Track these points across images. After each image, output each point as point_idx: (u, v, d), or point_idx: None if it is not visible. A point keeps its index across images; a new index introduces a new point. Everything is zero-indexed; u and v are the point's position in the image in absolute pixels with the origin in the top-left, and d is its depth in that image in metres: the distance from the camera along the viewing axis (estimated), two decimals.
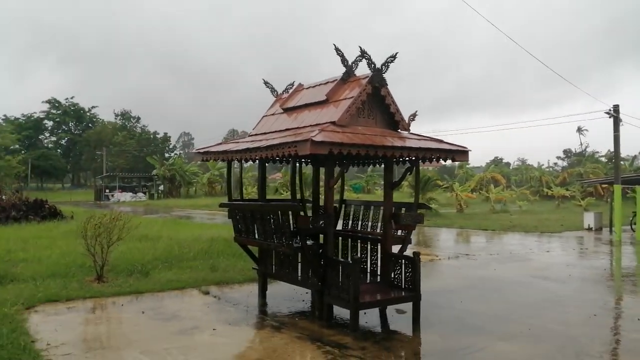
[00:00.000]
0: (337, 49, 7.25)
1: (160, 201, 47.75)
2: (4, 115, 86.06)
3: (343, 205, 8.80)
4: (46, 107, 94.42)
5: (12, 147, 73.87)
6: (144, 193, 55.43)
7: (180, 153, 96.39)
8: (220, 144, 8.61)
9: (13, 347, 5.39)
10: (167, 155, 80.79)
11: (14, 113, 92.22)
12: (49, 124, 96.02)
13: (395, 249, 7.40)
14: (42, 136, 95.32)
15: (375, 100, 6.96)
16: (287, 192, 48.92)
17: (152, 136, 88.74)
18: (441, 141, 7.13)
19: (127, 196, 52.14)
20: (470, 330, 6.65)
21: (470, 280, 10.20)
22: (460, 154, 7.11)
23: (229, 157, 7.72)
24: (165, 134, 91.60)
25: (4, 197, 22.84)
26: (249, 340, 6.30)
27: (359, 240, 8.20)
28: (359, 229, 8.43)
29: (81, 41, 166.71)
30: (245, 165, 14.80)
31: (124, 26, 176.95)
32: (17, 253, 11.43)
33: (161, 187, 56.28)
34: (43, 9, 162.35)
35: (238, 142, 8.14)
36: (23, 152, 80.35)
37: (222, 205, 8.50)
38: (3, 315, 6.52)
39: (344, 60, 7.30)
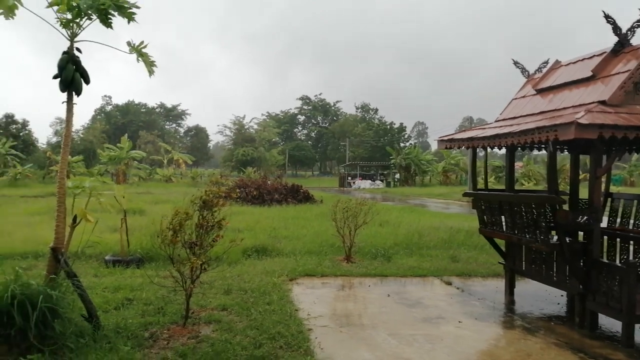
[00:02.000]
0: (606, 16, 6.20)
1: (396, 189, 49.44)
2: (267, 112, 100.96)
3: (609, 199, 7.56)
4: (299, 103, 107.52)
5: (273, 140, 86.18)
6: (382, 181, 58.21)
7: (415, 142, 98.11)
8: (465, 130, 8.30)
9: (282, 312, 6.18)
10: (402, 144, 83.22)
11: (275, 110, 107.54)
12: (301, 118, 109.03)
13: None
14: (296, 129, 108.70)
15: None
16: (529, 183, 45.22)
17: (388, 127, 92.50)
18: None
19: (366, 183, 55.54)
20: None
21: None
22: None
23: (474, 144, 7.35)
24: (401, 124, 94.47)
25: (269, 182, 26.71)
26: (497, 338, 5.92)
27: (631, 241, 6.94)
28: (630, 227, 7.13)
29: (329, 41, 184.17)
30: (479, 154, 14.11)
31: (367, 22, 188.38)
32: (280, 230, 13.18)
33: (397, 176, 58.21)
34: (299, 14, 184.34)
35: (484, 128, 7.71)
36: (281, 144, 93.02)
37: (466, 194, 8.20)
38: (273, 284, 7.57)
39: (615, 29, 6.20)
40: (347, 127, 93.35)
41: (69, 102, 5.24)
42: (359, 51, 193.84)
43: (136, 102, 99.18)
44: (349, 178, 58.25)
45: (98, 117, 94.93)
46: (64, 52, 5.19)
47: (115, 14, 5.03)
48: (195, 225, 5.61)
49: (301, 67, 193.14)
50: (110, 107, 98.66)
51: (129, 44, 5.40)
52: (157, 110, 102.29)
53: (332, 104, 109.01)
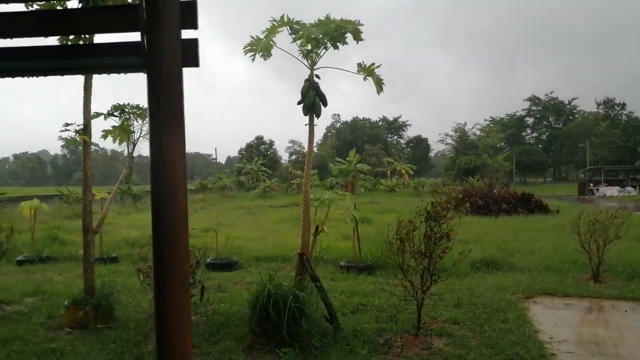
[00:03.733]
0: None
1: None
2: (491, 117, 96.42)
3: None
4: (527, 105, 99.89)
5: (498, 146, 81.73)
6: (634, 187, 49.62)
7: None
8: None
9: (519, 332, 5.75)
10: None
11: (499, 114, 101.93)
12: (529, 120, 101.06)
13: None
14: (524, 133, 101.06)
15: None
16: None
17: None
18: None
19: (613, 190, 48.04)
20: None
21: None
22: None
23: None
24: None
25: (495, 191, 25.32)
26: None
27: None
28: None
29: (565, 30, 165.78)
30: None
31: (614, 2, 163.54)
32: (511, 243, 12.32)
33: None
34: (527, 5, 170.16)
35: None
36: (507, 149, 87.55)
37: None
38: (507, 302, 7.10)
39: None
40: (586, 127, 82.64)
41: (311, 124, 5.86)
42: (601, 39, 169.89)
43: (360, 117, 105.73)
44: (591, 184, 51.19)
45: (329, 134, 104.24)
46: (306, 80, 5.84)
47: (347, 37, 5.46)
48: (423, 235, 5.64)
49: (530, 65, 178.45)
50: (339, 124, 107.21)
51: (359, 65, 5.78)
52: (380, 124, 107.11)
53: (567, 102, 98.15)
